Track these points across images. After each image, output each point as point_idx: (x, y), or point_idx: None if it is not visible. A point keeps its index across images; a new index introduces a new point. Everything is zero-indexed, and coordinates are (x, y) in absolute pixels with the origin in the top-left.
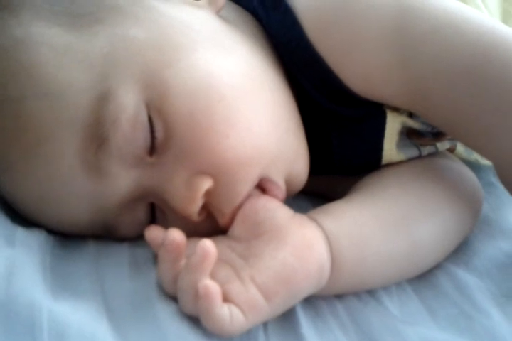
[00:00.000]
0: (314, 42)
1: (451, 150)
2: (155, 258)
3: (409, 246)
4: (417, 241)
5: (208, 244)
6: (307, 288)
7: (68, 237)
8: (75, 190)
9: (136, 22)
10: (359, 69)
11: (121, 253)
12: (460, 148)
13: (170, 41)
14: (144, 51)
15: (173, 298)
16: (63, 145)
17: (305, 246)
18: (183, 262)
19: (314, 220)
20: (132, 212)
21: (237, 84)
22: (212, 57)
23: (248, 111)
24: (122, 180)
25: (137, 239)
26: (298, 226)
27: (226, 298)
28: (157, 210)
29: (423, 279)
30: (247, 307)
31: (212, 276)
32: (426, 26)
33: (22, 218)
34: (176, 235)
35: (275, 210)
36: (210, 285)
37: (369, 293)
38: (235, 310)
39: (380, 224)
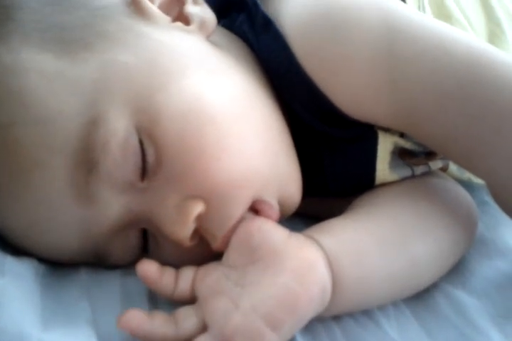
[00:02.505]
0: (304, 65)
1: (444, 169)
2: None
3: (407, 264)
4: (414, 258)
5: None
6: (311, 312)
7: (59, 265)
8: (64, 217)
9: (126, 48)
10: (349, 91)
11: (113, 282)
12: (453, 167)
13: (159, 66)
14: (133, 76)
15: None
16: (53, 171)
17: (305, 268)
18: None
19: (311, 238)
20: (124, 238)
21: (227, 107)
22: (203, 81)
23: (239, 134)
24: (113, 206)
25: (129, 266)
26: (295, 248)
27: (232, 338)
28: (149, 236)
29: (421, 300)
30: None
31: (211, 311)
32: (414, 48)
33: (12, 246)
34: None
35: (270, 232)
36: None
37: (367, 315)
38: None
39: (378, 241)
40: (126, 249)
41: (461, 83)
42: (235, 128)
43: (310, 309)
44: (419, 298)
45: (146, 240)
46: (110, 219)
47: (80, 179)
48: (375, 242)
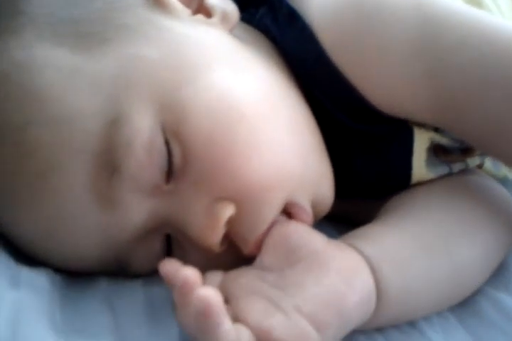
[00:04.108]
0: (334, 57)
1: (479, 166)
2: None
3: (453, 269)
4: (460, 263)
5: (204, 293)
6: (357, 319)
7: (77, 276)
8: (85, 224)
9: (147, 41)
10: (383, 83)
11: (135, 292)
12: (488, 163)
13: (184, 60)
14: (157, 71)
15: None
16: (72, 174)
17: (351, 271)
18: None
19: (351, 246)
20: (147, 245)
21: (257, 102)
22: (230, 75)
23: (270, 130)
24: (137, 211)
25: (151, 275)
26: (338, 252)
27: (271, 337)
28: (174, 242)
29: (464, 306)
30: None
31: (247, 310)
32: (453, 36)
33: (27, 257)
34: (189, 274)
35: (309, 235)
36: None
37: (410, 324)
38: None
39: (421, 246)
40: (150, 256)
41: (505, 71)
42: (266, 125)
43: (356, 314)
44: (463, 304)
45: (170, 246)
46: (134, 225)
47: (102, 183)
48: (419, 248)
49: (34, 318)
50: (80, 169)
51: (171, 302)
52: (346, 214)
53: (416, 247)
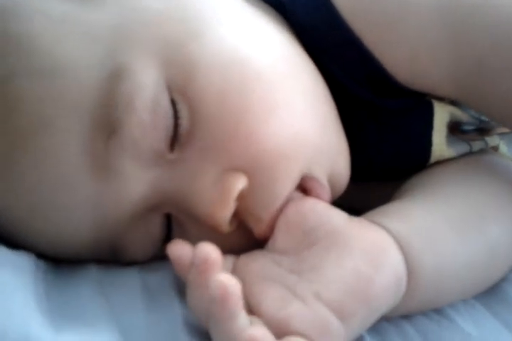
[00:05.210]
0: (350, 22)
1: (494, 149)
2: (181, 283)
3: (485, 249)
4: (493, 242)
5: (222, 279)
6: (386, 304)
7: (62, 263)
8: (76, 196)
9: None
10: (403, 49)
11: (131, 279)
12: (503, 147)
13: (190, 13)
14: (161, 23)
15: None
16: (63, 135)
17: (377, 251)
18: None
19: (376, 223)
20: (145, 226)
21: (274, 61)
22: (242, 30)
23: (289, 92)
24: (136, 183)
25: (147, 263)
26: (361, 230)
27: (288, 327)
28: (175, 225)
29: (489, 293)
30: (318, 334)
31: (261, 299)
32: None
33: (5, 240)
34: (209, 250)
35: (328, 213)
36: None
37: (436, 311)
38: None
39: (452, 223)
40: (146, 240)
41: None
42: (284, 85)
43: (385, 298)
44: (487, 291)
45: (170, 230)
46: (132, 200)
47: (97, 146)
48: (449, 225)
49: (19, 300)
50: (71, 128)
51: (174, 288)
52: (357, 203)
53: (448, 223)
